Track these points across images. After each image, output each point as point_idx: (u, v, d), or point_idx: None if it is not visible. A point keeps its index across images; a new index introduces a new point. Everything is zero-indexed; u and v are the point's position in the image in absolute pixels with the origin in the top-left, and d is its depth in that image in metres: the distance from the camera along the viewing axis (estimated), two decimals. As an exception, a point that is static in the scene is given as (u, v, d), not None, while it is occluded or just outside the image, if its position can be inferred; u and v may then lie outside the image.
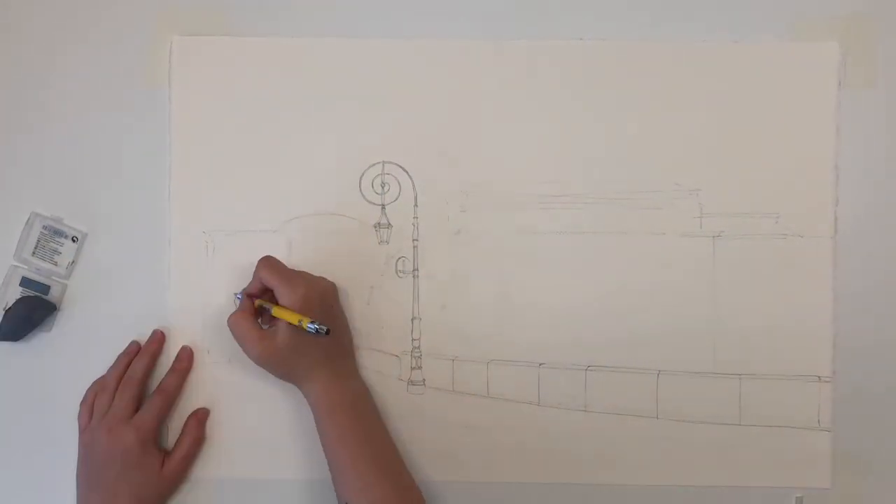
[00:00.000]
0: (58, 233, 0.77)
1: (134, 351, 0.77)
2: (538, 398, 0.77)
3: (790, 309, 0.76)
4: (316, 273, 0.75)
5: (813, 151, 0.76)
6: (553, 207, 0.77)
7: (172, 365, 0.77)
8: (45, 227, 0.77)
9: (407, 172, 0.77)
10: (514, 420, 0.77)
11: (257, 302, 0.74)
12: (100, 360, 0.77)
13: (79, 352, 0.78)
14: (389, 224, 0.77)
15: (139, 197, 0.78)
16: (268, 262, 0.73)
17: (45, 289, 0.77)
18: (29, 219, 0.77)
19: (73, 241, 0.77)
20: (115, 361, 0.77)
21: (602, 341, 0.77)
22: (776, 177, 0.76)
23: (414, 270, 0.77)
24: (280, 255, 0.76)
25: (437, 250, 0.77)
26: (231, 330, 0.72)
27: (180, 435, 0.76)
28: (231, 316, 0.72)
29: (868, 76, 0.76)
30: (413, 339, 0.77)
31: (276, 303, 0.72)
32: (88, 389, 0.76)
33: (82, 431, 0.75)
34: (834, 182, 0.76)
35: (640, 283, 0.77)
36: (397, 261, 0.77)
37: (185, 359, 0.77)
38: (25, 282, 0.77)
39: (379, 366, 0.77)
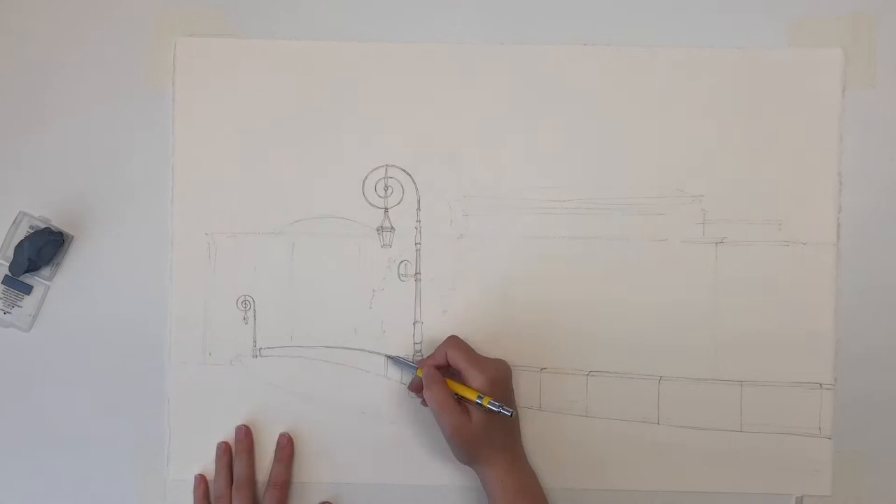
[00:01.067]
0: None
1: (226, 451, 0.77)
2: (539, 403, 0.77)
3: (792, 316, 0.76)
4: (315, 276, 0.76)
5: (816, 158, 0.76)
6: (555, 212, 0.77)
7: (276, 455, 0.77)
8: (31, 227, 0.76)
9: (410, 176, 0.77)
10: (514, 425, 0.77)
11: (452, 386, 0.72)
12: (95, 362, 0.77)
13: (70, 352, 0.78)
14: (392, 227, 0.77)
15: (142, 198, 0.77)
16: (455, 343, 0.73)
17: (28, 288, 0.77)
18: (16, 218, 0.76)
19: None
20: (216, 467, 0.76)
21: (604, 346, 0.77)
22: (779, 183, 0.76)
23: (416, 274, 0.77)
24: (283, 258, 0.76)
25: (439, 254, 0.77)
26: (430, 402, 0.70)
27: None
28: (428, 390, 0.71)
29: (868, 76, 0.77)
30: (415, 343, 0.77)
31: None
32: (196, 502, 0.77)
33: None
34: (837, 189, 0.76)
35: (642, 289, 0.77)
36: (399, 264, 0.77)
37: (287, 446, 0.76)
38: (8, 280, 0.77)
39: (381, 369, 0.77)
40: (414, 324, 0.77)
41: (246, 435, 0.77)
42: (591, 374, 0.77)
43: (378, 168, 0.77)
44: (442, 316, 0.77)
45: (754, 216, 0.76)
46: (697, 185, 0.77)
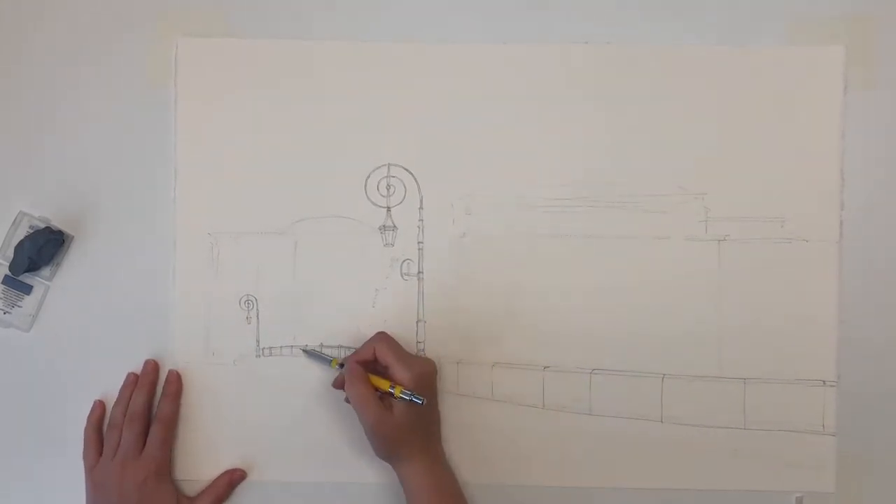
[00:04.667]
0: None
1: (133, 382, 0.77)
2: (542, 401, 0.77)
3: (795, 313, 0.76)
4: (318, 275, 0.77)
5: (818, 155, 0.76)
6: (558, 211, 0.77)
7: (164, 390, 0.77)
8: (31, 227, 0.76)
9: (412, 175, 0.77)
10: (518, 423, 0.77)
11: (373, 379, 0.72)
12: (95, 362, 0.77)
13: (72, 352, 0.78)
14: (395, 226, 0.77)
15: (143, 198, 0.77)
16: (384, 339, 0.73)
17: (28, 288, 0.77)
18: (16, 217, 0.76)
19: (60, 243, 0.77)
20: (118, 396, 0.77)
21: (607, 345, 0.77)
22: (782, 181, 0.76)
23: (419, 273, 0.77)
24: (285, 258, 0.76)
25: (441, 253, 0.77)
26: (351, 397, 0.71)
27: (207, 487, 0.76)
28: (348, 382, 0.71)
29: (869, 75, 0.77)
30: (418, 342, 0.77)
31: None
32: (87, 427, 0.76)
33: (90, 470, 0.75)
34: (839, 187, 0.76)
35: (646, 287, 0.77)
36: (402, 263, 0.77)
37: (174, 382, 0.76)
38: (8, 280, 0.77)
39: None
40: (417, 323, 0.77)
41: (152, 369, 0.76)
42: (595, 372, 0.77)
43: (380, 167, 0.77)
44: (445, 315, 0.77)
45: (757, 214, 0.76)
46: (699, 182, 0.77)
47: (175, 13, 0.77)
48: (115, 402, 0.77)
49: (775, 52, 0.77)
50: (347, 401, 0.73)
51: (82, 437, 0.76)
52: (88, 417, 0.77)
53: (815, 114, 0.76)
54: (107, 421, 0.77)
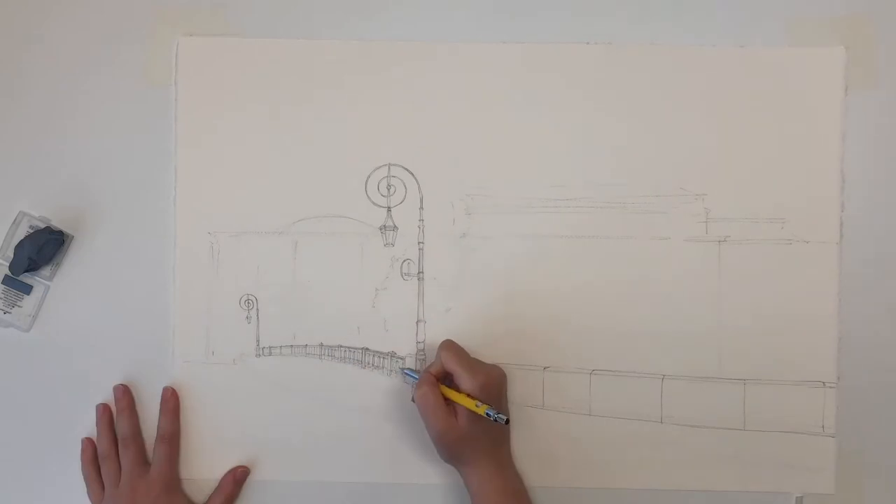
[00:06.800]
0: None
1: (105, 412, 0.77)
2: (542, 401, 0.77)
3: (795, 314, 0.76)
4: (318, 275, 0.77)
5: (818, 157, 0.76)
6: (558, 211, 0.77)
7: (161, 408, 0.77)
8: (31, 227, 0.76)
9: (413, 175, 0.77)
10: (518, 423, 0.76)
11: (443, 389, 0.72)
12: (95, 362, 0.77)
13: (72, 353, 0.78)
14: (395, 226, 0.77)
15: (144, 198, 0.77)
16: (449, 346, 0.73)
17: (28, 288, 0.77)
18: (16, 217, 0.76)
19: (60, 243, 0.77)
20: (98, 429, 0.77)
21: (607, 345, 0.77)
22: (782, 182, 0.76)
23: (419, 273, 0.77)
24: (285, 258, 0.77)
25: (442, 253, 0.77)
26: (419, 403, 0.71)
27: (215, 490, 0.76)
28: (419, 391, 0.71)
29: (870, 75, 0.77)
30: (418, 342, 0.77)
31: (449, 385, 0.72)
32: (83, 467, 0.76)
33: None
34: (839, 188, 0.76)
35: (645, 288, 0.77)
36: (402, 263, 0.77)
37: (170, 398, 0.76)
38: (8, 280, 0.77)
39: (383, 368, 0.77)
40: (417, 323, 0.77)
41: (124, 394, 0.76)
42: (595, 372, 0.77)
43: (381, 167, 0.77)
44: (445, 315, 0.77)
45: (757, 214, 0.76)
46: (700, 183, 0.77)
47: (175, 13, 0.78)
48: (98, 437, 0.76)
49: (775, 53, 0.77)
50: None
51: (80, 445, 0.76)
52: (81, 457, 0.77)
53: (815, 114, 0.76)
54: (99, 455, 0.77)
